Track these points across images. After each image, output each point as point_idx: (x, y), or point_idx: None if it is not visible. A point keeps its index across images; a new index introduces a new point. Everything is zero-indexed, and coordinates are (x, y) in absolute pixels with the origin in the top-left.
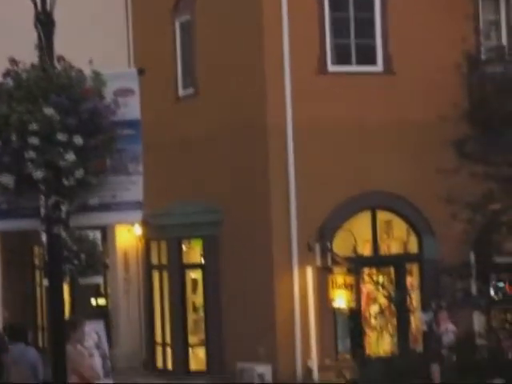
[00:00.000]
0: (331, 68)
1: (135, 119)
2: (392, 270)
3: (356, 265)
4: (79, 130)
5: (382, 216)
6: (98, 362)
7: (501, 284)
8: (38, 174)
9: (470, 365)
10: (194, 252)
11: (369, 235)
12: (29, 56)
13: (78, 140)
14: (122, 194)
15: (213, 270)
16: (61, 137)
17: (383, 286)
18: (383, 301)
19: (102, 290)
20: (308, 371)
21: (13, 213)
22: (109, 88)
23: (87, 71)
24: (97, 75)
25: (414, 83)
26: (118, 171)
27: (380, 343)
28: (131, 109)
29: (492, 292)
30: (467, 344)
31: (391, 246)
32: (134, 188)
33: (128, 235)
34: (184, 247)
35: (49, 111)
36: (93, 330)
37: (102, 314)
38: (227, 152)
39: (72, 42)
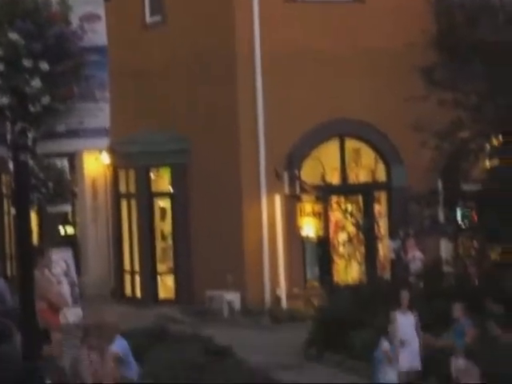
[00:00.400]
0: None
1: (102, 45)
2: (360, 198)
3: (324, 193)
4: (45, 56)
5: (351, 144)
6: (66, 289)
7: (468, 211)
8: (4, 101)
9: (437, 291)
10: (162, 180)
11: (337, 163)
12: None
13: (44, 66)
14: (89, 121)
15: (181, 198)
16: (26, 62)
17: (351, 214)
18: (351, 229)
19: (70, 218)
20: (276, 299)
21: None
22: (75, 13)
23: None
24: (63, 0)
25: (383, 10)
26: (85, 98)
27: (348, 271)
28: (98, 35)
29: (459, 219)
30: (434, 271)
31: (359, 174)
32: (100, 115)
33: (96, 163)
34: (152, 175)
35: (13, 36)
36: (61, 258)
37: (71, 242)
38: (196, 80)
39: None
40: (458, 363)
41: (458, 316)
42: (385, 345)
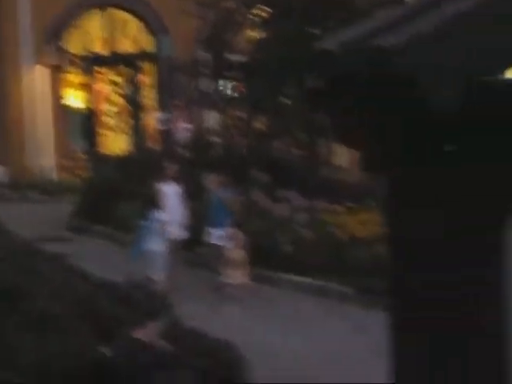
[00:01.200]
0: None
1: None
2: (127, 69)
3: (90, 64)
4: None
5: (117, 14)
6: None
7: (234, 82)
8: None
9: (204, 161)
10: None
11: (102, 34)
12: None
13: None
14: None
15: None
16: None
17: (118, 85)
18: (119, 100)
19: None
20: (43, 171)
21: None
22: None
23: None
24: None
25: None
26: None
27: (116, 142)
28: None
29: (226, 90)
30: (202, 141)
31: (126, 45)
32: None
33: None
34: None
35: None
36: None
37: None
38: None
39: None
40: (221, 232)
41: (212, 187)
42: (160, 215)
